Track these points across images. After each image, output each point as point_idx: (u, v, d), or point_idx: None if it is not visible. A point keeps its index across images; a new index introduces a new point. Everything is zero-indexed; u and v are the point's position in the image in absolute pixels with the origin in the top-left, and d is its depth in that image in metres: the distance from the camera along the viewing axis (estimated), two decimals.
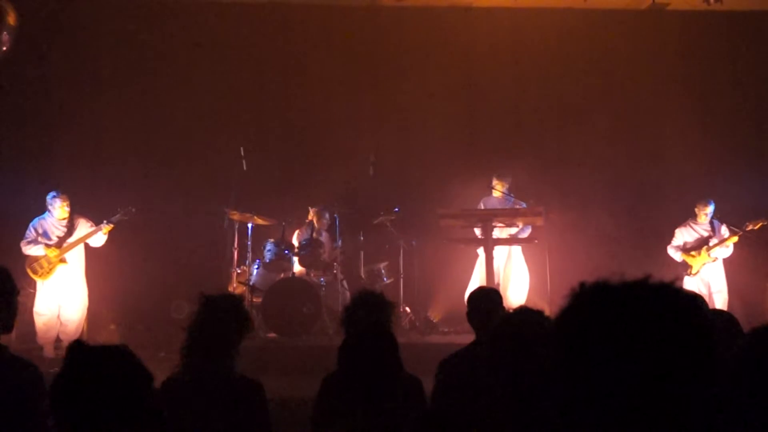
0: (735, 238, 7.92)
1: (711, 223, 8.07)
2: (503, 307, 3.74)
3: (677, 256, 8.08)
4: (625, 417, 1.05)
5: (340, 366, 2.83)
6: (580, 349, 1.09)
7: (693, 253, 8.00)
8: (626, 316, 1.07)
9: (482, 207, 8.16)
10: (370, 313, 3.43)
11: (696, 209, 8.06)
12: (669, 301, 1.10)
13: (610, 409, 1.05)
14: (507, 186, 8.10)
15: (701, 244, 7.98)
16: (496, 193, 8.11)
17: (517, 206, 8.01)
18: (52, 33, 8.94)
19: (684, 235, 8.11)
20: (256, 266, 7.90)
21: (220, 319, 3.06)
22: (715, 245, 7.90)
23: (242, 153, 8.14)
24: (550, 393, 1.14)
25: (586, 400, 1.07)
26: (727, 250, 7.98)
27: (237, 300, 3.28)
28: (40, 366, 6.64)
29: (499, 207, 8.05)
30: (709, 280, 7.88)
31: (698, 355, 1.07)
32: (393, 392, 2.73)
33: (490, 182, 8.11)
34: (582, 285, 1.14)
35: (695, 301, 1.13)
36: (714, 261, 7.92)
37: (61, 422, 1.83)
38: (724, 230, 8.03)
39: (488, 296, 3.81)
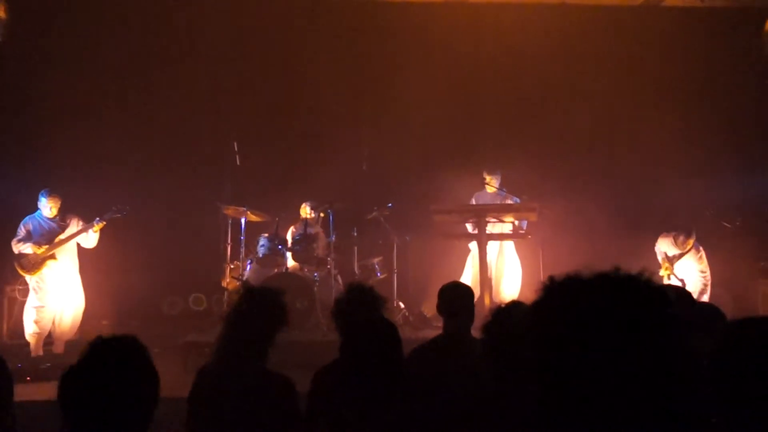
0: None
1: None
2: (473, 302, 3.82)
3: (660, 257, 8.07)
4: (596, 405, 1.05)
5: (344, 357, 2.83)
6: (552, 342, 1.10)
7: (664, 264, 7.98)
8: (594, 308, 1.08)
9: (474, 202, 8.19)
10: (361, 307, 3.43)
11: (678, 240, 7.76)
12: (636, 291, 1.11)
13: (582, 398, 1.06)
14: (498, 180, 8.14)
15: (673, 258, 7.96)
16: (489, 189, 8.14)
17: (509, 200, 8.04)
18: (45, 27, 8.90)
19: (664, 246, 8.03)
20: (249, 261, 7.89)
21: (259, 311, 3.06)
22: (677, 257, 7.85)
23: (235, 148, 8.13)
24: (529, 386, 1.14)
25: (559, 390, 1.08)
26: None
27: (276, 293, 3.25)
28: (26, 362, 6.63)
29: (491, 202, 8.07)
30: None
31: (664, 344, 1.07)
32: (395, 385, 2.74)
33: (482, 178, 8.14)
34: (551, 279, 1.15)
35: (662, 290, 1.13)
36: (668, 279, 7.76)
37: (69, 417, 1.81)
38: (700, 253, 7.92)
39: (459, 290, 3.87)
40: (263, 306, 3.10)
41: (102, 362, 1.86)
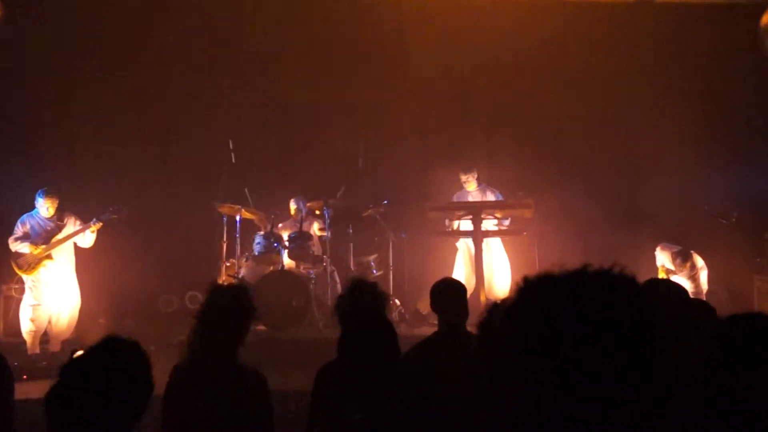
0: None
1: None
2: (465, 297, 3.83)
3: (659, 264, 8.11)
4: (573, 405, 1.06)
5: (341, 354, 2.85)
6: (527, 343, 1.10)
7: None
8: (566, 306, 1.09)
9: (456, 201, 8.25)
10: (364, 303, 3.44)
11: (675, 262, 7.84)
12: (606, 286, 1.11)
13: (559, 398, 1.06)
14: (475, 176, 8.18)
15: (670, 271, 7.98)
16: (469, 187, 8.19)
17: (491, 193, 8.13)
18: (41, 27, 8.88)
19: (663, 258, 8.04)
20: (245, 259, 7.90)
21: (226, 308, 3.10)
22: (672, 273, 7.88)
23: (231, 146, 8.13)
24: (507, 389, 1.14)
25: (536, 391, 1.08)
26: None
27: (242, 290, 3.30)
28: (27, 360, 6.63)
29: (472, 199, 8.13)
30: None
31: (638, 337, 1.08)
32: (392, 380, 2.76)
33: (459, 179, 8.23)
34: (525, 279, 1.16)
35: (633, 284, 1.14)
36: None
37: (55, 421, 1.79)
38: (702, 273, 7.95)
39: (450, 287, 3.88)
40: (230, 303, 3.12)
41: (99, 364, 1.84)
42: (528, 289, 1.15)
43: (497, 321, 2.54)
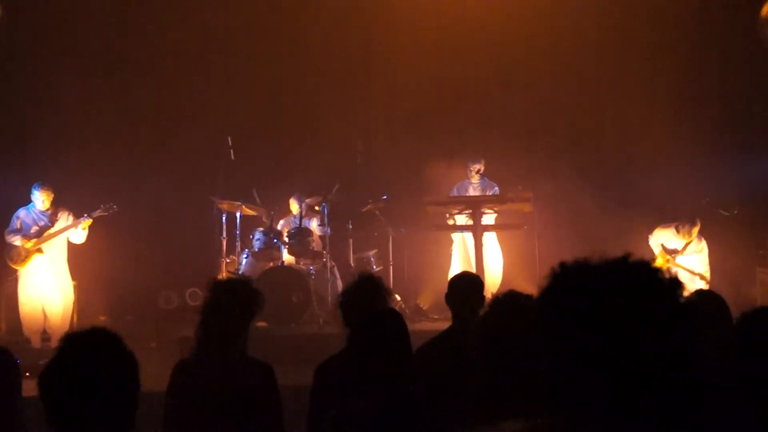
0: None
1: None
2: (483, 292, 3.79)
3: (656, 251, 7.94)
4: (609, 394, 1.05)
5: (354, 345, 2.83)
6: (563, 328, 1.09)
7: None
8: (606, 295, 1.08)
9: (456, 193, 8.20)
10: (367, 298, 3.41)
11: (682, 229, 7.56)
12: (648, 279, 1.10)
13: (595, 385, 1.05)
14: (482, 168, 8.14)
15: (673, 251, 7.73)
16: (474, 178, 8.14)
17: (489, 190, 8.11)
18: (39, 23, 8.87)
19: (663, 238, 7.78)
20: (244, 255, 7.89)
21: (226, 302, 3.13)
22: (678, 253, 7.67)
23: (230, 142, 8.13)
24: (538, 372, 1.13)
25: (571, 377, 1.07)
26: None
27: (242, 283, 3.34)
28: (28, 357, 6.63)
29: (473, 192, 8.11)
30: None
31: (677, 331, 1.07)
32: (403, 373, 2.75)
33: (467, 168, 8.18)
34: (562, 265, 1.14)
35: (675, 278, 1.13)
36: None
37: (50, 412, 1.81)
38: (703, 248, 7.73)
39: (469, 281, 3.85)
40: (233, 297, 3.15)
41: (75, 357, 1.86)
42: (565, 275, 1.13)
43: (519, 309, 2.52)
